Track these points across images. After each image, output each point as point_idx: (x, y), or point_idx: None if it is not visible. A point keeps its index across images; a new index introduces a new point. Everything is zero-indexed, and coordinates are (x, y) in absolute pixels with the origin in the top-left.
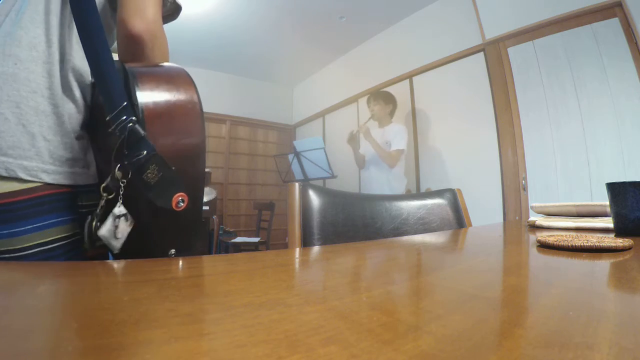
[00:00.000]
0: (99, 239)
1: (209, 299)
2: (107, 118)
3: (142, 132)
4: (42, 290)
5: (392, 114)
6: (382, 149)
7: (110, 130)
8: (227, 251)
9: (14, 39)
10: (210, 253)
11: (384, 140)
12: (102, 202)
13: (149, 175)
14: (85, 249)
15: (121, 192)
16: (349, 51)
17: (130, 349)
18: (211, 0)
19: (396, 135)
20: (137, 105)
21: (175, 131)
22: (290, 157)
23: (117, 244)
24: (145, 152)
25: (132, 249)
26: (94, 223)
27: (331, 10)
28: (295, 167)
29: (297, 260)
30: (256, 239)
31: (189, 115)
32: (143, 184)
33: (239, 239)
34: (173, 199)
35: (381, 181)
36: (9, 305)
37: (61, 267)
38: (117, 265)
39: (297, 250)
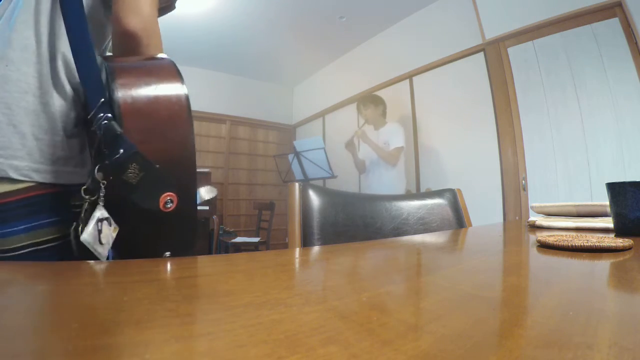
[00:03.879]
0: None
1: (209, 299)
2: (89, 116)
3: (118, 129)
4: (42, 290)
5: (384, 114)
6: (382, 149)
7: (92, 128)
8: (227, 251)
9: (5, 41)
10: (210, 253)
11: (381, 141)
12: (86, 205)
13: (130, 175)
14: (75, 254)
15: (101, 194)
16: (349, 51)
17: (130, 349)
18: (211, 0)
19: (393, 134)
20: (114, 101)
21: (159, 127)
22: (290, 157)
23: (102, 250)
24: (122, 150)
25: (124, 252)
26: (79, 228)
27: (331, 10)
28: (295, 167)
29: (297, 260)
30: (256, 239)
31: (173, 109)
32: (124, 185)
33: (239, 239)
34: (160, 199)
35: (382, 182)
36: (9, 305)
37: (61, 267)
38: (117, 265)
39: (297, 250)
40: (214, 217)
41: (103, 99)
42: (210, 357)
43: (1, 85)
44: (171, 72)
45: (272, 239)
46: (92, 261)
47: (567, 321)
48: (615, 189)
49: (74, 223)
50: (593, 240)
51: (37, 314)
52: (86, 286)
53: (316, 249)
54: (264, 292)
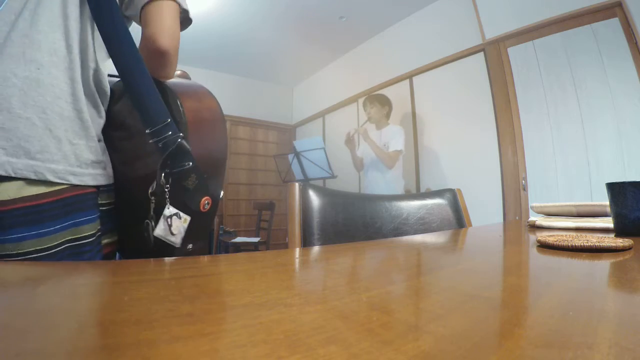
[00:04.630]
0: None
1: (209, 299)
2: (148, 131)
3: (188, 147)
4: (42, 290)
5: (388, 115)
6: (381, 150)
7: (151, 141)
8: (227, 251)
9: (33, 42)
10: (210, 253)
11: (382, 142)
12: (153, 206)
13: (189, 182)
14: (150, 248)
15: (167, 197)
16: (349, 51)
17: (130, 349)
18: (212, 0)
19: (394, 137)
20: (181, 121)
21: (208, 143)
22: (290, 157)
23: (175, 239)
24: (190, 163)
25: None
26: (150, 225)
27: (331, 10)
28: (295, 167)
29: (297, 260)
30: (256, 239)
31: (217, 129)
32: (183, 190)
33: (239, 239)
34: (201, 202)
35: (380, 183)
36: (9, 305)
37: (61, 267)
38: (117, 265)
39: (297, 250)
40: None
41: (169, 119)
42: (211, 357)
43: (34, 89)
44: (212, 98)
45: (272, 239)
46: (92, 262)
47: (567, 321)
48: (615, 189)
49: (145, 222)
50: (593, 240)
51: (38, 314)
52: (86, 286)
53: (316, 249)
54: (264, 292)
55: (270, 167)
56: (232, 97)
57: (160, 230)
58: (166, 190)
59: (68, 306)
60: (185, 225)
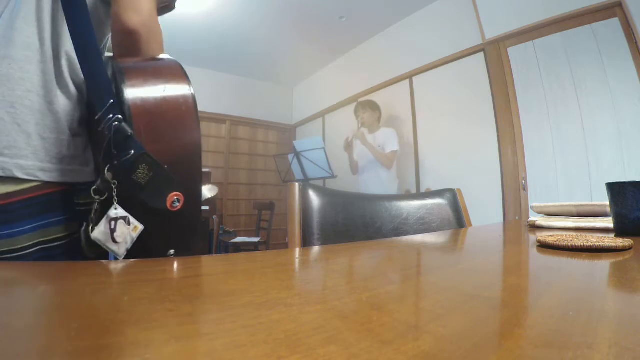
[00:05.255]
0: (97, 244)
1: (209, 299)
2: (97, 117)
3: (128, 130)
4: (42, 290)
5: (379, 119)
6: (379, 152)
7: (99, 129)
8: (227, 251)
9: (7, 40)
10: (210, 253)
11: (376, 145)
12: (96, 205)
13: (139, 175)
14: (85, 253)
15: (114, 194)
16: (349, 51)
17: (130, 349)
18: (212, 0)
19: (388, 138)
20: (124, 102)
21: (167, 128)
22: (290, 157)
23: (117, 249)
24: (132, 151)
25: (130, 250)
26: (90, 228)
27: (331, 10)
28: (295, 167)
29: (297, 260)
30: (256, 239)
31: (181, 110)
32: (134, 185)
33: (239, 239)
34: (168, 199)
35: (376, 183)
36: (9, 305)
37: (61, 267)
38: (117, 265)
39: (297, 250)
40: (214, 217)
41: (112, 100)
42: (210, 357)
43: (4, 84)
44: (178, 73)
45: (272, 239)
46: (91, 262)
47: (567, 321)
48: (615, 189)
49: (84, 223)
50: (593, 240)
51: (38, 314)
52: (86, 286)
53: (316, 249)
54: (264, 292)
55: (270, 167)
56: (232, 97)
57: (99, 234)
58: (113, 186)
59: (68, 306)
60: (135, 234)
